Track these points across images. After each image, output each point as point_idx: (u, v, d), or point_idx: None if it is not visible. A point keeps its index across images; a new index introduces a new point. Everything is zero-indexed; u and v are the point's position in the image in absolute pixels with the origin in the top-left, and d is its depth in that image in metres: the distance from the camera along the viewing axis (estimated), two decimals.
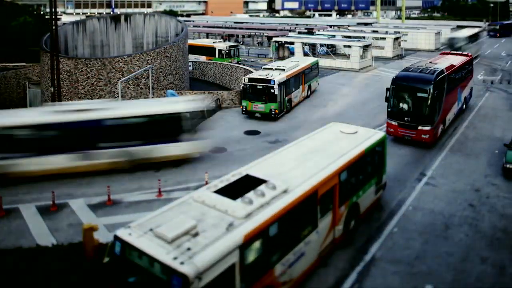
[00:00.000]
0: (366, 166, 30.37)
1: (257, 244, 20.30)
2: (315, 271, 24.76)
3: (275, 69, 59.29)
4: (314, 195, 24.24)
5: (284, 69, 58.77)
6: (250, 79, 55.35)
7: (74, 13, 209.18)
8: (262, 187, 22.52)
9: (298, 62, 65.93)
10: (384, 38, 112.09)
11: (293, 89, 60.33)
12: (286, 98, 57.52)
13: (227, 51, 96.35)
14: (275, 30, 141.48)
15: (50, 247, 26.42)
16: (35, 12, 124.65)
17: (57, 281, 23.11)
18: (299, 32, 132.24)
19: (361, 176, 29.53)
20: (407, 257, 26.52)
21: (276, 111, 54.49)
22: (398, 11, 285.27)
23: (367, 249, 27.28)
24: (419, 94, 43.47)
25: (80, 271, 23.75)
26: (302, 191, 23.38)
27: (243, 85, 55.61)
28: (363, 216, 30.14)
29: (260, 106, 54.79)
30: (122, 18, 79.71)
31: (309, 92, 67.46)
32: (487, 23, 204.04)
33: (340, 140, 30.60)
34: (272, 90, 53.93)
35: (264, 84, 54.28)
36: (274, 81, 53.94)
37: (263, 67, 62.55)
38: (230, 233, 19.20)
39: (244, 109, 55.78)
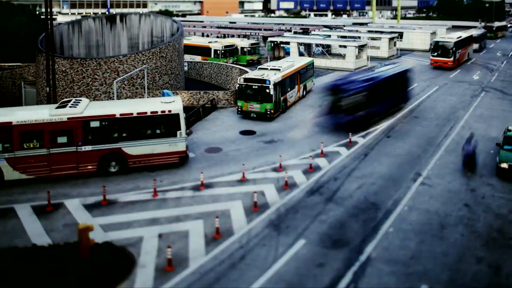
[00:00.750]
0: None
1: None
2: (311, 272, 24.82)
3: (271, 69, 59.48)
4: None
5: (279, 69, 58.94)
6: (246, 79, 55.31)
7: (70, 13, 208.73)
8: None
9: (294, 62, 66.32)
10: (379, 38, 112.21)
11: (289, 89, 60.31)
12: (282, 98, 57.38)
13: (222, 51, 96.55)
14: (271, 30, 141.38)
15: (45, 247, 26.43)
16: (30, 12, 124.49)
17: (53, 281, 23.11)
18: (295, 32, 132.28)
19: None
20: (403, 257, 26.55)
21: (272, 111, 54.32)
22: (394, 11, 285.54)
23: (363, 249, 27.30)
24: None
25: (76, 271, 23.76)
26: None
27: (238, 85, 55.64)
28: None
29: (255, 106, 54.70)
30: (118, 18, 79.55)
31: (304, 92, 67.69)
32: (482, 23, 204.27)
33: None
34: (267, 90, 53.82)
35: (260, 84, 54.28)
36: (269, 81, 53.81)
37: (258, 67, 62.59)
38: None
39: (239, 109, 55.69)
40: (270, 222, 30.58)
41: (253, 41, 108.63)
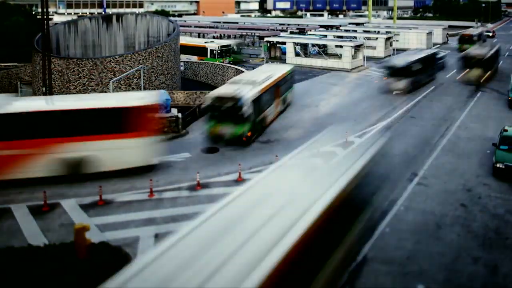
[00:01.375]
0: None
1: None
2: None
3: (244, 83, 49.53)
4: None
5: (255, 83, 49.68)
6: (214, 98, 45.50)
7: (66, 13, 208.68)
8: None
9: (271, 72, 56.93)
10: (375, 38, 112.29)
11: (268, 106, 51.84)
12: (258, 118, 48.31)
13: (218, 51, 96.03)
14: (267, 30, 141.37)
15: (42, 247, 26.33)
16: (26, 12, 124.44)
17: (52, 281, 23.10)
18: (291, 32, 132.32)
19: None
20: (399, 257, 26.56)
21: (249, 134, 45.66)
22: (390, 11, 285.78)
23: (359, 249, 27.30)
24: None
25: (74, 271, 23.74)
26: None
27: (205, 105, 46.87)
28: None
29: (226, 130, 45.00)
30: (114, 18, 79.66)
31: (283, 107, 58.71)
32: (479, 23, 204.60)
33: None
34: (240, 111, 44.21)
35: (231, 104, 44.50)
36: (242, 99, 44.33)
37: (228, 81, 54.23)
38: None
39: (210, 136, 46.04)
40: None
41: (224, 43, 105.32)
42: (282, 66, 69.13)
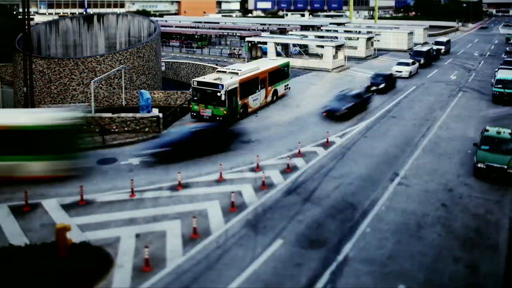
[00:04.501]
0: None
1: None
2: (288, 272, 24.81)
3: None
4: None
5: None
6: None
7: (47, 13, 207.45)
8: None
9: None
10: (357, 38, 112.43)
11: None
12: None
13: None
14: (248, 30, 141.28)
15: (23, 247, 26.22)
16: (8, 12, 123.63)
17: (33, 281, 23.01)
18: (272, 32, 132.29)
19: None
20: (380, 257, 26.61)
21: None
22: (371, 11, 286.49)
23: (340, 249, 27.31)
24: None
25: (54, 271, 23.64)
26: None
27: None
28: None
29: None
30: (95, 18, 79.51)
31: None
32: (460, 23, 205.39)
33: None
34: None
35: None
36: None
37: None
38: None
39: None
40: (248, 222, 30.53)
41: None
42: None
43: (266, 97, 61.14)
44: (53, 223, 29.71)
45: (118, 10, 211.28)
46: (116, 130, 47.68)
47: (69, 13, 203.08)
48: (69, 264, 24.34)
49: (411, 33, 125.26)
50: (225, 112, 51.18)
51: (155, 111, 52.46)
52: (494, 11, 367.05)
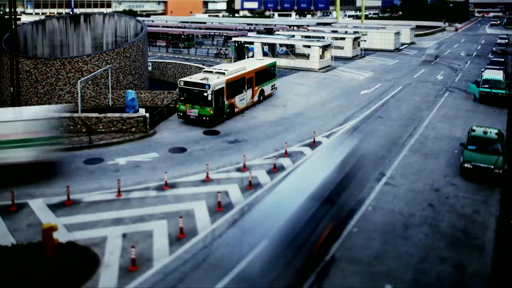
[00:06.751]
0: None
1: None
2: (276, 273, 24.78)
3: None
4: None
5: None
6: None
7: (34, 13, 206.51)
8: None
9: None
10: (343, 38, 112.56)
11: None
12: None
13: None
14: (235, 30, 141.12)
15: (9, 247, 26.14)
16: None
17: (18, 281, 22.94)
18: (258, 32, 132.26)
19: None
20: (367, 257, 26.64)
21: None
22: (358, 11, 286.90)
23: (326, 249, 27.29)
24: None
25: (40, 271, 23.57)
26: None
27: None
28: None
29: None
30: (82, 18, 79.28)
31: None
32: (446, 23, 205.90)
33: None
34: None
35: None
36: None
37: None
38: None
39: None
40: (234, 222, 30.50)
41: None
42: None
43: (252, 97, 61.22)
44: (40, 223, 29.69)
45: (104, 10, 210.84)
46: (103, 130, 47.53)
47: (55, 13, 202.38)
48: (55, 264, 24.29)
49: (397, 33, 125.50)
50: (211, 112, 51.04)
51: (142, 111, 52.35)
52: (476, 11, 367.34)
